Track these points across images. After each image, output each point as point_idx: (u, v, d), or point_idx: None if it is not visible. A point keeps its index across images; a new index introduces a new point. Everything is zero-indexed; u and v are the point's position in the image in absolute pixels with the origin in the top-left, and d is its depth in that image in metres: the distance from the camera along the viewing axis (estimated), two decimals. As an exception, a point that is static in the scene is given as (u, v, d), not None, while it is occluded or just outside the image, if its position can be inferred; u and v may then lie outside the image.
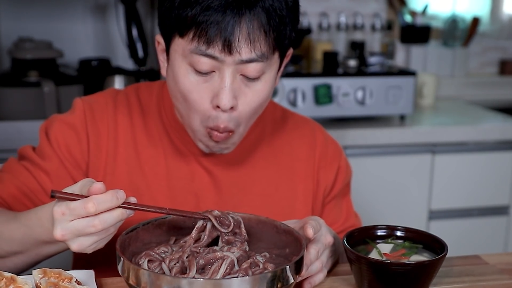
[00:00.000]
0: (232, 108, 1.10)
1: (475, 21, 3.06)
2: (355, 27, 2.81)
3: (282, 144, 1.32)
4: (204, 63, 1.07)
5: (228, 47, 1.05)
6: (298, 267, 0.94)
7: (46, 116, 2.10)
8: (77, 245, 0.95)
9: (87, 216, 0.92)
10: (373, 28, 2.84)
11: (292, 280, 0.92)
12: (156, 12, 2.60)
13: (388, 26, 2.96)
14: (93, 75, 2.37)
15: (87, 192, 0.94)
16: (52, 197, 0.93)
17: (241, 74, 1.10)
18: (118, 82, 2.31)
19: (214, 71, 1.09)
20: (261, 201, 1.27)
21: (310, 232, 1.03)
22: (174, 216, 1.06)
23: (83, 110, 1.24)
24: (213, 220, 1.02)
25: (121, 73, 2.35)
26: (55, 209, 0.94)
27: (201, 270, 0.95)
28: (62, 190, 0.94)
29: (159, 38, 1.17)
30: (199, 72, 1.09)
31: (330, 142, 1.37)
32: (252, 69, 1.09)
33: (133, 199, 0.96)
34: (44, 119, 1.38)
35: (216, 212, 1.03)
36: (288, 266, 0.91)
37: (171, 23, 1.09)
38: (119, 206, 0.94)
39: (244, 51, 1.06)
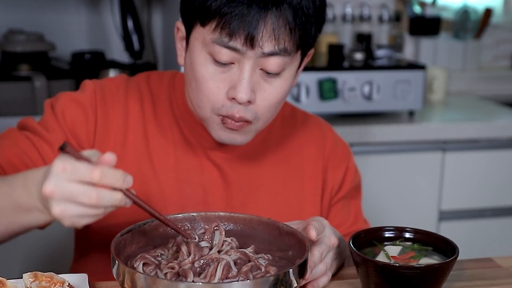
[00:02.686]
0: (249, 102, 1.13)
1: (488, 12, 3.05)
2: (362, 18, 2.81)
3: (291, 142, 1.34)
4: (225, 54, 1.09)
5: (250, 41, 1.08)
6: (301, 270, 0.94)
7: (37, 112, 2.10)
8: (59, 210, 0.90)
9: (85, 184, 0.89)
10: (380, 19, 2.83)
11: (295, 284, 0.92)
12: (153, 3, 2.60)
13: (396, 18, 2.95)
14: (87, 68, 2.37)
15: (97, 161, 0.91)
16: (61, 149, 0.89)
17: (261, 69, 1.12)
18: (112, 76, 2.31)
19: (233, 63, 1.11)
20: (269, 199, 1.29)
21: (313, 233, 1.04)
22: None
23: (93, 91, 1.25)
24: (193, 247, 1.00)
25: (115, 67, 2.35)
26: (56, 162, 0.89)
27: (197, 275, 0.95)
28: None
29: (179, 25, 1.19)
30: (218, 63, 1.11)
31: (339, 142, 1.39)
32: (273, 63, 1.11)
33: (133, 191, 0.94)
34: (35, 115, 1.38)
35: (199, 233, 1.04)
36: (291, 270, 0.91)
37: (194, 10, 1.11)
38: (121, 191, 0.91)
39: (267, 45, 1.09)
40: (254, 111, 1.15)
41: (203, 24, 1.10)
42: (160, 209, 1.18)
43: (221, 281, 0.93)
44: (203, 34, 1.11)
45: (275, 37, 1.08)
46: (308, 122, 1.38)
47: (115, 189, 0.90)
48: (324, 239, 1.08)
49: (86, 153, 0.93)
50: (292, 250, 1.03)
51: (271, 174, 1.30)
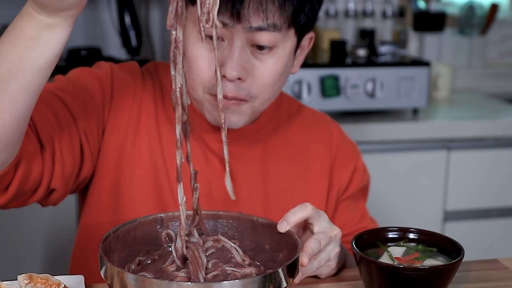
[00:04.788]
0: (240, 79, 1.14)
1: (494, 7, 3.05)
2: (365, 14, 2.81)
3: (298, 139, 1.35)
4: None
5: (237, 15, 1.09)
6: (291, 270, 0.95)
7: (32, 110, 2.10)
8: None
9: None
10: (384, 15, 2.83)
11: (285, 284, 0.93)
12: (151, -2, 2.60)
13: (400, 13, 2.95)
14: (83, 65, 2.36)
15: None
16: None
17: (252, 45, 1.13)
18: (109, 73, 2.31)
19: (223, 40, 1.13)
20: (274, 196, 1.30)
21: (304, 260, 1.02)
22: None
23: (109, 69, 1.28)
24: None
25: (113, 64, 2.35)
26: None
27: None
28: None
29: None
30: (208, 40, 1.11)
31: (347, 141, 1.40)
32: (263, 37, 1.12)
33: None
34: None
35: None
36: (280, 269, 0.92)
37: None
38: None
39: (255, 19, 1.10)
40: (248, 90, 1.16)
41: (193, 3, 1.11)
42: (167, 195, 1.25)
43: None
44: (193, 12, 1.12)
45: (262, 11, 1.10)
46: (316, 120, 1.38)
47: None
48: (324, 229, 1.09)
49: None
50: (285, 250, 1.03)
51: (276, 171, 1.31)
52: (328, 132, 1.37)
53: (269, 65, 1.16)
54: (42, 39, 0.92)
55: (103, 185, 1.25)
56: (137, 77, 1.30)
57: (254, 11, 1.10)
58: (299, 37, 1.19)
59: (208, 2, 0.96)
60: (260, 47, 1.14)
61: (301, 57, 1.24)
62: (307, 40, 1.24)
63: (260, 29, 1.11)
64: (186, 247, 0.99)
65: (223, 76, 1.13)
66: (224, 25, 1.10)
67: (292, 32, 1.16)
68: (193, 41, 1.14)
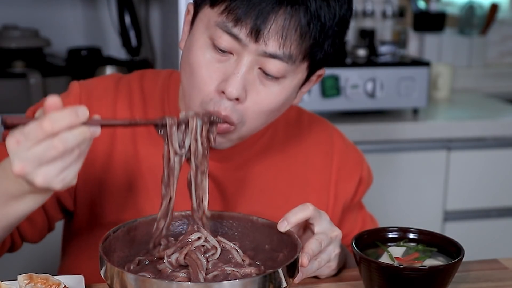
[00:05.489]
0: (238, 99, 1.07)
1: (494, 7, 3.05)
2: (365, 13, 2.81)
3: (296, 150, 1.29)
4: (225, 40, 1.05)
5: (256, 33, 1.03)
6: (291, 270, 0.95)
7: (32, 110, 2.10)
8: (42, 177, 0.86)
9: (43, 141, 0.84)
10: (384, 15, 2.83)
11: (284, 284, 0.93)
12: (151, -2, 2.60)
13: (400, 13, 2.95)
14: (83, 65, 2.37)
15: (42, 111, 0.86)
16: (2, 124, 0.85)
17: (260, 68, 1.07)
18: (109, 73, 2.31)
19: (232, 54, 1.06)
20: (270, 213, 1.22)
21: (305, 260, 1.02)
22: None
23: (78, 96, 1.21)
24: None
25: (112, 63, 2.35)
26: (8, 141, 0.85)
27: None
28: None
29: (190, 7, 1.15)
30: (217, 49, 1.06)
31: (350, 149, 1.34)
32: (273, 66, 1.06)
33: (97, 117, 0.90)
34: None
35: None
36: (280, 269, 0.92)
37: None
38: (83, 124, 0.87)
39: (272, 43, 1.04)
40: (241, 113, 1.08)
41: (212, 5, 1.06)
42: (143, 202, 1.20)
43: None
44: (209, 15, 1.06)
45: (282, 36, 1.03)
46: (315, 128, 1.32)
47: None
48: (326, 231, 1.08)
49: (37, 114, 0.89)
50: (285, 250, 1.04)
51: (272, 186, 1.26)
52: (328, 140, 1.32)
53: (271, 93, 1.09)
54: (27, 198, 0.98)
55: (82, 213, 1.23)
56: (110, 97, 1.22)
57: (274, 34, 1.03)
58: (311, 72, 1.13)
59: (199, 196, 1.01)
60: (267, 74, 1.07)
61: (305, 89, 1.17)
62: (316, 76, 1.17)
63: (273, 56, 1.05)
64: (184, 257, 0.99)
65: (222, 92, 1.07)
66: (238, 40, 1.04)
67: (304, 66, 1.10)
68: (200, 46, 1.08)
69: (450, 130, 2.42)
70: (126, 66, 2.37)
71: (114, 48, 2.61)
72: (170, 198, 1.01)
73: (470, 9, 3.05)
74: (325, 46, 1.08)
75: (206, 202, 1.04)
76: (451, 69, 2.81)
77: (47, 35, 2.44)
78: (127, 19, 2.39)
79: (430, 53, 3.01)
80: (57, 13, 2.57)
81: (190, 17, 1.14)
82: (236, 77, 1.05)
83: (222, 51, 1.06)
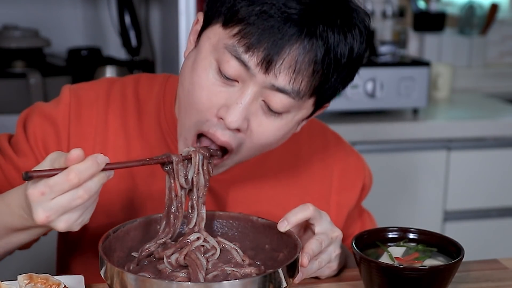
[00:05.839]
0: (238, 130, 1.02)
1: (494, 7, 3.05)
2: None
3: (294, 159, 1.26)
4: (233, 66, 0.99)
5: (267, 64, 0.97)
6: (291, 270, 0.95)
7: (32, 110, 2.10)
8: (64, 223, 0.91)
9: (69, 191, 0.89)
10: (384, 15, 2.83)
11: (284, 284, 0.93)
12: (151, -2, 2.60)
13: (400, 13, 2.95)
14: (83, 65, 2.37)
15: (64, 163, 0.90)
16: (26, 179, 0.89)
17: (264, 100, 1.02)
18: (109, 73, 2.31)
19: (237, 81, 1.01)
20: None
21: (305, 260, 1.01)
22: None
23: (68, 104, 1.18)
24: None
25: (112, 63, 2.35)
26: (31, 192, 0.90)
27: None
28: (33, 169, 0.91)
29: (200, 17, 1.08)
30: (222, 74, 1.01)
31: (350, 156, 1.31)
32: (279, 100, 1.01)
33: (107, 159, 0.93)
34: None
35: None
36: (280, 269, 0.92)
37: (222, 6, 1.01)
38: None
39: (282, 77, 0.98)
40: (240, 141, 1.04)
41: (225, 25, 1.00)
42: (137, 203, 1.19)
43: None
44: (220, 35, 1.00)
45: (294, 71, 0.98)
46: (313, 135, 1.29)
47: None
48: (327, 231, 1.08)
49: (48, 159, 0.93)
50: (285, 250, 1.04)
51: (269, 196, 1.23)
52: (326, 148, 1.29)
53: (273, 126, 1.04)
54: (31, 230, 1.04)
55: None
56: (101, 105, 1.19)
57: (286, 68, 0.97)
58: (316, 108, 1.09)
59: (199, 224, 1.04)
60: (271, 109, 1.02)
61: (306, 121, 1.12)
62: (322, 108, 1.13)
63: (281, 90, 0.99)
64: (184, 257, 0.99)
65: (220, 118, 1.02)
66: (246, 67, 0.98)
67: (311, 102, 1.05)
68: (205, 66, 1.02)
69: (450, 130, 2.42)
70: (126, 66, 2.37)
71: (114, 48, 2.61)
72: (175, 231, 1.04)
73: (470, 9, 3.05)
74: (335, 83, 1.05)
75: (203, 225, 1.06)
76: (451, 69, 2.81)
77: (47, 35, 2.44)
78: (127, 19, 2.39)
79: (430, 53, 3.01)
80: (57, 13, 2.57)
81: (198, 27, 1.08)
82: (239, 107, 1.00)
83: (227, 78, 1.01)
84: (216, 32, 1.02)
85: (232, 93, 1.01)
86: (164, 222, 1.04)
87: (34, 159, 1.16)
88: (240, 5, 0.98)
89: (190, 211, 1.05)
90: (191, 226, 1.04)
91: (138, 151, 1.18)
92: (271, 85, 0.99)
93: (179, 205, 1.03)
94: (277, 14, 0.96)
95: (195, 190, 1.04)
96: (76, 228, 0.94)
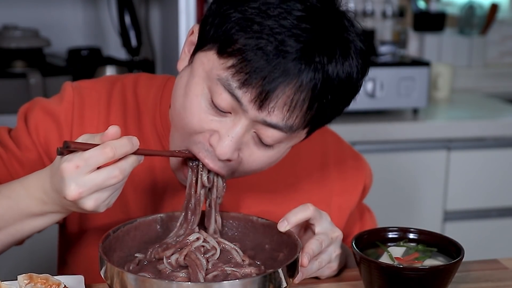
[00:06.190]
0: (229, 160, 1.01)
1: (494, 7, 3.05)
2: (365, 13, 2.80)
3: (292, 161, 1.23)
4: (225, 99, 0.97)
5: (260, 102, 0.95)
6: (291, 270, 0.95)
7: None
8: (93, 202, 0.92)
9: (102, 167, 0.90)
10: (384, 15, 2.83)
11: (284, 284, 0.93)
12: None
13: (400, 13, 2.95)
14: (83, 65, 2.37)
15: (100, 139, 0.91)
16: (64, 149, 0.89)
17: (256, 132, 1.00)
18: (109, 73, 2.31)
19: (229, 112, 0.99)
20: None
21: (305, 260, 1.01)
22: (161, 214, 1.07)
23: (71, 102, 1.17)
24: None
25: (112, 63, 2.35)
26: (65, 165, 0.89)
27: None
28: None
29: (195, 29, 1.05)
30: (214, 105, 0.99)
31: (348, 157, 1.29)
32: (271, 135, 0.99)
33: (138, 143, 0.94)
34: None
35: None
36: (280, 269, 0.92)
37: (217, 32, 0.97)
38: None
39: (275, 115, 0.96)
40: (231, 168, 1.04)
41: (220, 54, 0.96)
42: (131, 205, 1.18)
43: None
44: (214, 63, 0.97)
45: (289, 109, 0.95)
46: (312, 138, 1.21)
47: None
48: (327, 231, 1.07)
49: (81, 139, 0.93)
50: (285, 250, 1.04)
51: (263, 200, 1.21)
52: (323, 150, 1.27)
53: (264, 156, 1.03)
54: (46, 217, 1.03)
55: None
56: (103, 104, 1.19)
57: (280, 107, 0.95)
58: (309, 134, 1.06)
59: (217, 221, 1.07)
60: (262, 142, 1.01)
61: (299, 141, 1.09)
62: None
63: (274, 126, 0.98)
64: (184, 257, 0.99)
65: (210, 145, 1.01)
66: (239, 103, 0.96)
67: (304, 132, 1.04)
68: (197, 93, 0.99)
69: (450, 130, 2.42)
70: (126, 66, 2.37)
71: (114, 48, 2.61)
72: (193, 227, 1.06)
73: (470, 9, 3.05)
74: (331, 113, 1.03)
75: (219, 224, 1.08)
76: (451, 69, 2.81)
77: (47, 35, 2.44)
78: (127, 19, 2.39)
79: (430, 53, 3.01)
80: (57, 13, 2.57)
81: (193, 38, 1.05)
82: (229, 139, 0.99)
83: (219, 109, 0.99)
84: (210, 58, 0.98)
85: (224, 123, 1.00)
86: (182, 216, 1.06)
87: (37, 153, 1.16)
88: (237, 36, 0.95)
89: (208, 208, 1.07)
90: (210, 228, 1.07)
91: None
92: (264, 121, 0.97)
93: (197, 202, 1.05)
94: (274, 52, 0.93)
95: (214, 190, 1.06)
96: (102, 209, 0.93)
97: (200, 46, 1.02)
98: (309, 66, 0.94)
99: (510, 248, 2.55)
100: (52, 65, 2.30)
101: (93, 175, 0.90)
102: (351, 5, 2.78)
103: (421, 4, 2.99)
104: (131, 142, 0.91)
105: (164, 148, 1.17)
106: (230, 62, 0.95)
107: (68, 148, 0.90)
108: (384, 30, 2.83)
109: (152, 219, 1.08)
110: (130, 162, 0.92)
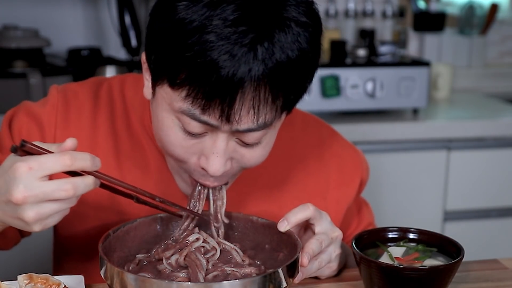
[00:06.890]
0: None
1: (494, 7, 3.05)
2: (365, 13, 2.81)
3: (290, 154, 1.25)
4: (195, 126, 0.98)
5: (226, 118, 0.95)
6: (291, 270, 0.95)
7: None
8: (34, 213, 0.85)
9: (55, 179, 0.85)
10: (384, 14, 2.83)
11: (284, 284, 0.93)
12: (151, -2, 2.60)
13: (400, 13, 2.95)
14: (83, 65, 2.37)
15: (57, 148, 0.88)
16: (16, 150, 0.85)
17: (237, 138, 1.01)
18: (109, 73, 2.31)
19: (206, 133, 1.00)
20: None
21: (305, 260, 1.01)
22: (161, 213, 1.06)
23: (55, 106, 1.16)
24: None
25: (112, 63, 2.35)
26: (19, 164, 0.84)
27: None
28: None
29: (144, 58, 1.04)
30: (188, 132, 1.00)
31: (347, 151, 1.29)
32: (250, 136, 1.00)
33: (100, 165, 0.90)
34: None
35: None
36: (280, 269, 0.92)
37: (163, 64, 0.97)
38: (92, 174, 0.88)
39: (245, 122, 0.96)
40: (229, 173, 1.05)
41: (172, 87, 0.96)
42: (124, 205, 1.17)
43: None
44: (171, 96, 0.97)
45: (254, 112, 0.95)
46: (308, 131, 1.28)
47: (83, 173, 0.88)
48: (327, 231, 1.07)
49: (41, 145, 0.89)
50: (285, 250, 1.04)
51: (264, 194, 1.22)
52: (321, 144, 1.27)
53: (255, 152, 1.04)
54: None
55: None
56: (89, 107, 1.18)
57: (245, 114, 0.95)
58: (288, 113, 1.06)
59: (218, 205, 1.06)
60: (246, 144, 1.02)
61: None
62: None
63: (249, 130, 0.98)
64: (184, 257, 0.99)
65: (202, 168, 1.02)
66: (209, 124, 0.97)
67: (283, 115, 1.04)
68: (169, 125, 1.00)
69: (450, 130, 2.42)
70: (126, 66, 2.37)
71: (114, 48, 2.61)
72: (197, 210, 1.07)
73: (470, 9, 3.05)
74: (296, 94, 1.02)
75: (223, 210, 1.07)
76: (451, 69, 2.81)
77: (47, 35, 2.44)
78: (127, 19, 2.39)
79: (430, 53, 3.01)
80: (57, 13, 2.57)
81: (147, 67, 1.04)
82: (216, 156, 1.00)
83: (195, 134, 1.00)
84: (167, 91, 0.98)
85: (205, 143, 1.01)
86: (184, 216, 1.07)
87: None
88: (179, 66, 0.94)
89: (211, 202, 1.07)
90: (216, 225, 1.07)
91: (128, 153, 1.17)
92: (237, 130, 0.98)
93: (202, 188, 1.06)
94: (216, 73, 0.91)
95: (216, 192, 1.08)
96: (39, 226, 0.88)
97: (154, 79, 1.01)
98: (257, 61, 0.92)
99: (510, 248, 2.55)
100: (52, 65, 2.30)
101: (43, 182, 0.85)
102: (351, 5, 2.79)
103: (421, 4, 2.99)
104: (92, 160, 0.87)
105: (157, 146, 1.16)
106: (183, 92, 0.95)
107: (23, 147, 0.86)
108: (384, 30, 2.83)
109: (152, 219, 1.08)
110: (86, 182, 0.87)
